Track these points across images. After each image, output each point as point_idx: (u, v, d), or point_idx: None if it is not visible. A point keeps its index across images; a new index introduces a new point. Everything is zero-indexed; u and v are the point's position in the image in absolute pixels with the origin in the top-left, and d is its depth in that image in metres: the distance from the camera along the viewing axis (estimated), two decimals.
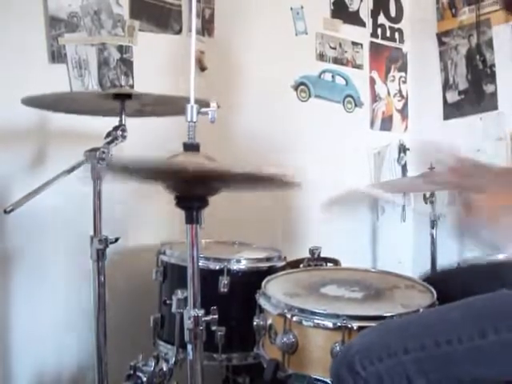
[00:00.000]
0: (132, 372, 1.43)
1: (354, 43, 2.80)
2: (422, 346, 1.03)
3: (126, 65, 2.08)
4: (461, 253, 2.63)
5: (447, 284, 1.53)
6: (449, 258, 2.44)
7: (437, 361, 1.02)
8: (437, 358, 1.02)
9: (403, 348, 1.03)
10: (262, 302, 1.43)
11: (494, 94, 2.58)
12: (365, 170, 2.85)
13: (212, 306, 1.22)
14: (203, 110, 1.16)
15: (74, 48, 1.97)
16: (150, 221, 2.12)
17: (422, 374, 1.02)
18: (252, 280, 1.61)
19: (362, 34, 2.84)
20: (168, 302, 1.63)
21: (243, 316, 1.54)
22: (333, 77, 2.72)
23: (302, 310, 1.31)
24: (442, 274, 1.76)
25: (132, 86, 2.08)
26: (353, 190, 2.68)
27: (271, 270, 1.70)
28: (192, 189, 1.12)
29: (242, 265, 1.69)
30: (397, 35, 2.98)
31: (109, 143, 1.50)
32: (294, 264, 1.92)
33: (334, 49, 2.72)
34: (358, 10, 2.81)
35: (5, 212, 1.43)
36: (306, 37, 2.61)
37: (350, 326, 1.24)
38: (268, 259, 1.76)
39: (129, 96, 1.51)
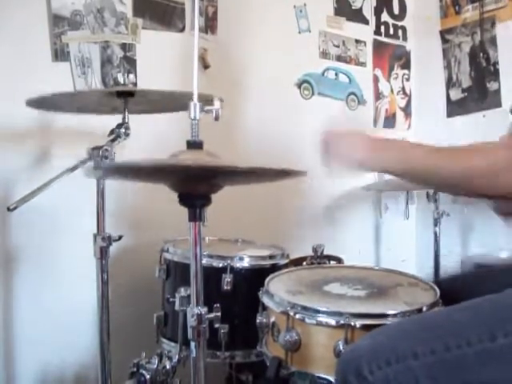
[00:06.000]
0: (135, 370, 1.44)
1: (358, 41, 2.80)
2: (432, 351, 1.00)
3: (129, 63, 2.08)
4: (464, 250, 2.63)
5: (451, 290, 1.52)
6: (452, 255, 2.45)
7: (447, 365, 1.00)
8: (447, 362, 1.00)
9: (412, 352, 1.01)
10: (264, 299, 1.43)
11: (497, 92, 2.58)
12: None
13: (215, 303, 1.22)
14: (207, 108, 1.17)
15: (77, 46, 1.97)
16: (152, 218, 2.12)
17: (431, 380, 1.00)
18: (255, 278, 1.61)
19: (365, 32, 2.83)
20: (171, 299, 1.64)
21: (246, 314, 1.54)
22: (336, 74, 2.72)
23: (304, 308, 1.30)
24: (445, 280, 1.74)
25: (135, 84, 2.08)
26: (356, 188, 2.68)
27: (274, 268, 1.69)
28: (195, 186, 1.12)
29: (245, 262, 1.69)
30: (400, 33, 2.98)
31: (112, 141, 1.50)
32: (297, 262, 1.92)
33: (337, 46, 2.72)
34: (361, 8, 2.81)
35: (8, 209, 1.43)
36: (309, 34, 2.61)
37: (353, 323, 1.23)
38: (271, 257, 1.76)
39: (131, 94, 1.51)
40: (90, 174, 1.35)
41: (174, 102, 1.57)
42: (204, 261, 1.44)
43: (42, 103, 1.54)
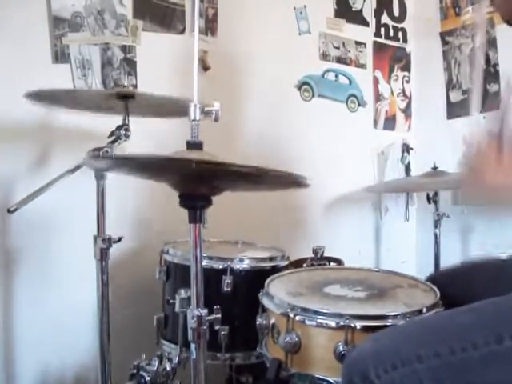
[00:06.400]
0: (135, 371, 1.43)
1: (358, 43, 2.80)
2: (436, 354, 1.01)
3: (130, 64, 2.09)
4: (464, 252, 2.63)
5: (451, 283, 1.52)
6: (452, 257, 2.44)
7: (452, 368, 1.00)
8: (452, 365, 1.00)
9: (417, 356, 1.01)
10: (265, 301, 1.43)
11: (497, 93, 2.57)
12: (368, 170, 2.85)
13: (215, 305, 1.23)
14: (207, 109, 1.17)
15: (77, 48, 1.97)
16: (153, 220, 2.12)
17: (436, 383, 1.01)
18: (255, 279, 1.61)
19: (365, 34, 2.83)
20: (171, 301, 1.63)
21: (246, 315, 1.54)
22: (336, 76, 2.72)
23: (304, 310, 1.30)
24: (445, 273, 1.75)
25: (135, 86, 2.08)
26: (356, 190, 2.68)
27: (274, 270, 1.70)
28: (196, 187, 1.12)
29: (246, 264, 1.69)
30: (400, 34, 2.98)
31: (112, 142, 1.50)
32: (297, 263, 1.92)
33: (338, 48, 2.72)
34: (361, 10, 2.81)
35: (8, 211, 1.44)
36: (309, 36, 2.61)
37: (353, 325, 1.24)
38: (271, 259, 1.76)
39: (132, 96, 1.51)
40: (93, 164, 1.35)
41: (174, 106, 1.57)
42: (204, 262, 1.44)
43: (41, 96, 1.53)
